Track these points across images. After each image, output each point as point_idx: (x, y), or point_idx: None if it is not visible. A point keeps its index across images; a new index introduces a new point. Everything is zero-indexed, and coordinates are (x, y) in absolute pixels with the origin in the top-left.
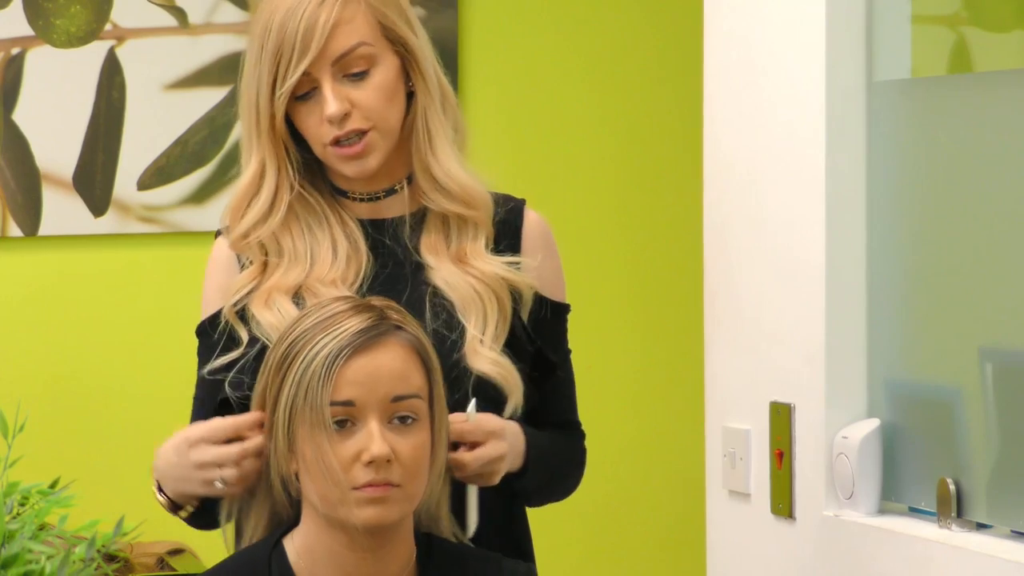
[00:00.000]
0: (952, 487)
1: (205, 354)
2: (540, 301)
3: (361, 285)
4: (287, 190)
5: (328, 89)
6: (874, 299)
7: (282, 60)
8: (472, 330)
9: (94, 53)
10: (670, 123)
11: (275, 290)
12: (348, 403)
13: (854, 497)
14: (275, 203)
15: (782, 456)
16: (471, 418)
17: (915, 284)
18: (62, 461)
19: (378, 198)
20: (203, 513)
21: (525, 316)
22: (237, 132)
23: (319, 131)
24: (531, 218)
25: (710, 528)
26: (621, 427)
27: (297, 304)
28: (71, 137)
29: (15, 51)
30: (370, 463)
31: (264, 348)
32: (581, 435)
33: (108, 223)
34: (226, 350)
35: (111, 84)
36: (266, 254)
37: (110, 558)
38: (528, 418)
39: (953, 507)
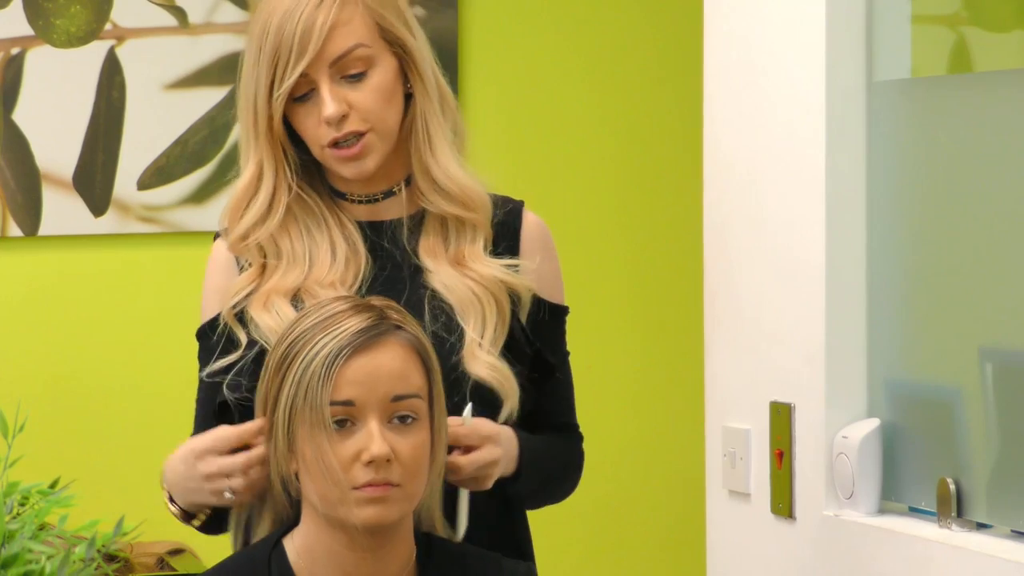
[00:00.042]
0: (952, 487)
1: (205, 357)
2: (538, 303)
3: (360, 287)
4: (285, 191)
5: (326, 90)
6: (874, 299)
7: (280, 62)
8: (471, 333)
9: (94, 53)
10: (670, 123)
11: (273, 292)
12: (348, 403)
13: (854, 497)
14: (273, 204)
15: (782, 456)
16: (466, 422)
17: (915, 284)
18: (62, 461)
19: (376, 200)
20: (215, 520)
21: (524, 318)
22: (237, 132)
23: (317, 133)
24: (530, 220)
25: (710, 528)
26: (621, 427)
27: (296, 306)
28: (71, 137)
29: (15, 51)
30: (370, 463)
31: (263, 351)
32: (579, 438)
33: (108, 223)
34: (225, 353)
35: (111, 84)
36: (264, 256)
37: (110, 558)
38: (526, 420)
39: (953, 507)
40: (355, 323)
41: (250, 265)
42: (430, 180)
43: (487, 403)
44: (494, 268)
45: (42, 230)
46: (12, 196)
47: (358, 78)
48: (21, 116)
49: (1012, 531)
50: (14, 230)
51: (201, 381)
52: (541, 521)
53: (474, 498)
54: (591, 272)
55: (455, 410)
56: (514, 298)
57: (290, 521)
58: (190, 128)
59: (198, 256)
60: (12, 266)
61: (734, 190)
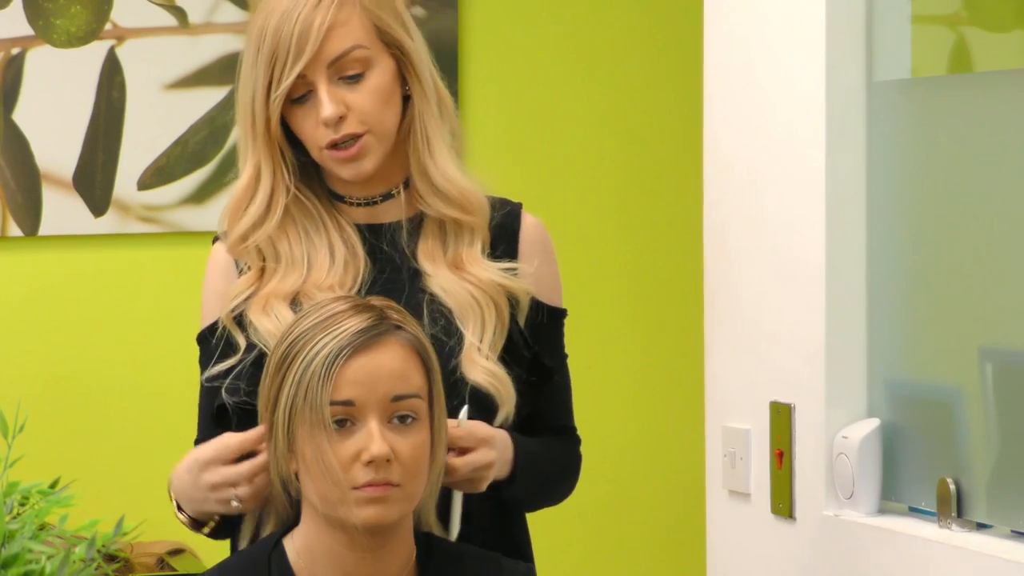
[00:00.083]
0: (952, 487)
1: (205, 361)
2: (537, 306)
3: (359, 290)
4: (283, 193)
5: (323, 91)
6: (874, 299)
7: (277, 63)
8: (470, 337)
9: (94, 53)
10: (670, 123)
11: (272, 296)
12: (348, 403)
13: (854, 497)
14: (271, 206)
15: (782, 456)
16: (462, 424)
17: (915, 284)
18: (62, 461)
19: (375, 203)
20: (225, 527)
21: (522, 322)
22: (237, 133)
23: (315, 134)
24: (528, 222)
25: (710, 528)
26: (621, 427)
27: (295, 310)
28: (71, 137)
29: (15, 51)
30: (370, 463)
31: (262, 354)
32: (576, 441)
33: (108, 223)
34: (224, 356)
35: (111, 84)
36: (263, 260)
37: (110, 558)
38: (524, 423)
39: (953, 507)
40: (355, 323)
41: (249, 268)
42: (428, 182)
43: (484, 408)
44: (492, 272)
45: (42, 230)
46: (12, 196)
47: (356, 79)
48: (21, 116)
49: (1012, 531)
50: (14, 230)
51: (202, 385)
52: (541, 521)
53: (469, 500)
54: (591, 272)
55: (452, 413)
56: (512, 302)
57: (290, 521)
58: (190, 128)
59: (198, 256)
60: (12, 266)
61: (734, 190)
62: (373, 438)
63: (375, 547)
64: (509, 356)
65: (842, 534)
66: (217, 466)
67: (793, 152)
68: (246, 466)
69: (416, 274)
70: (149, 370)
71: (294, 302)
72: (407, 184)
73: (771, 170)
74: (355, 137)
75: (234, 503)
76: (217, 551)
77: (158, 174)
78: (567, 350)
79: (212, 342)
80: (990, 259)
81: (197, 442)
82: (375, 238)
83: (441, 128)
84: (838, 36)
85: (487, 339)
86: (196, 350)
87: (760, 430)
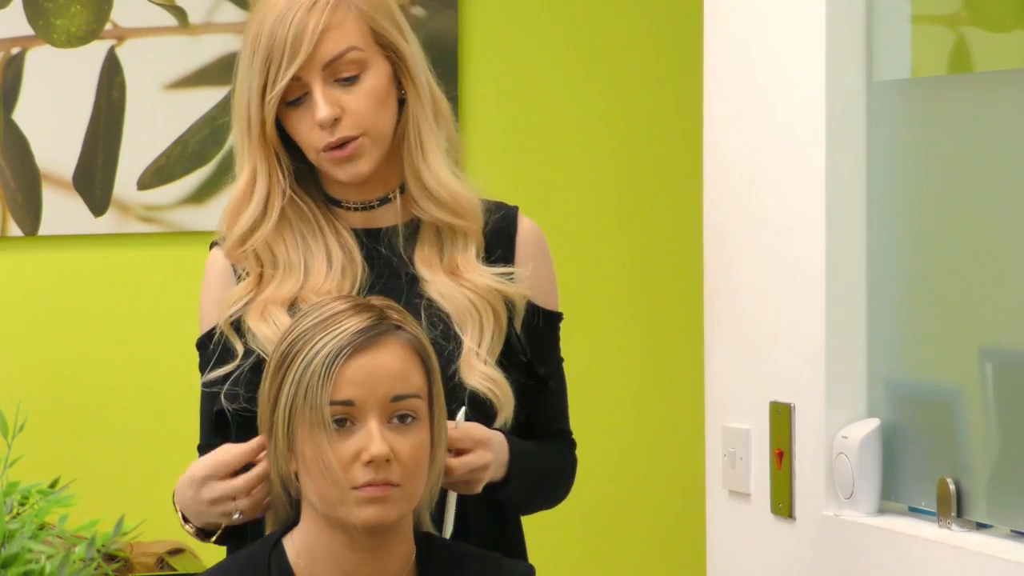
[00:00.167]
0: (952, 487)
1: (204, 367)
2: (533, 310)
3: (358, 295)
4: (279, 196)
5: (318, 93)
6: (874, 299)
7: (272, 65)
8: (468, 342)
9: (94, 53)
10: (670, 123)
11: (270, 302)
12: (348, 403)
13: (854, 497)
14: (267, 209)
15: (782, 456)
16: (460, 425)
17: (915, 284)
18: (62, 461)
19: (372, 207)
20: (232, 534)
21: (519, 326)
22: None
23: (311, 137)
24: (525, 225)
25: (710, 528)
26: (621, 427)
27: (292, 316)
28: (71, 137)
29: (15, 51)
30: (369, 463)
31: (260, 360)
32: (571, 444)
33: (108, 223)
34: (222, 362)
35: (111, 84)
36: (261, 265)
37: (110, 558)
38: (522, 426)
39: (953, 507)
40: (355, 323)
41: (247, 274)
42: (421, 186)
43: (483, 413)
44: (488, 277)
45: (42, 230)
46: (12, 196)
47: (351, 81)
48: (21, 116)
49: (1012, 531)
50: (14, 230)
51: (201, 391)
52: (541, 521)
53: (464, 501)
54: (591, 272)
55: (450, 416)
56: (509, 306)
57: (290, 521)
58: (190, 128)
59: (198, 256)
60: (12, 266)
61: (734, 190)
62: (373, 438)
63: (375, 547)
64: (507, 361)
65: (842, 534)
66: (214, 481)
67: (793, 152)
68: (243, 480)
69: (413, 279)
70: (149, 370)
71: (292, 308)
72: (403, 189)
73: (771, 170)
74: (350, 140)
75: (236, 516)
76: (217, 551)
77: (158, 174)
78: (566, 351)
79: (210, 348)
80: (990, 259)
81: (200, 447)
82: (372, 243)
83: (435, 132)
84: (838, 36)
85: (485, 344)
86: (196, 350)
87: (760, 430)
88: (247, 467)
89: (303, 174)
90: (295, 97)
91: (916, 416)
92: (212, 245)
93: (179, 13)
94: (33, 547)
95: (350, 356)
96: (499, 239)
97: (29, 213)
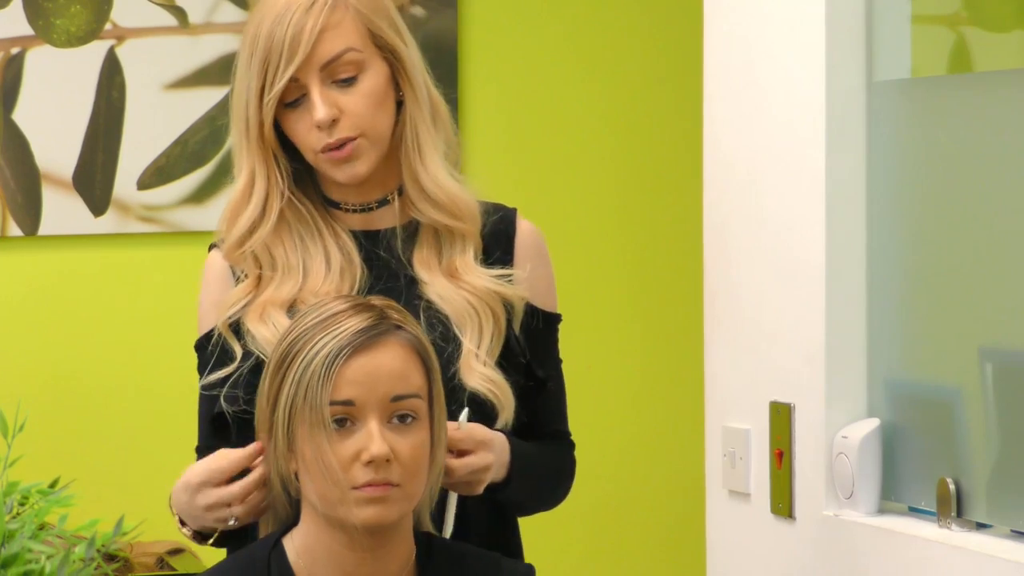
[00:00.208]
0: (952, 487)
1: (203, 369)
2: (532, 311)
3: (358, 295)
4: (277, 197)
5: (316, 94)
6: (874, 299)
7: (270, 66)
8: (468, 344)
9: (94, 53)
10: (670, 123)
11: (269, 304)
12: (348, 403)
13: (854, 497)
14: (266, 210)
15: (782, 456)
16: (462, 426)
17: (915, 284)
18: (62, 461)
19: (371, 209)
20: (231, 535)
21: (517, 328)
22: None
23: (309, 138)
24: (524, 227)
25: (710, 528)
26: (621, 427)
27: (291, 318)
28: (71, 137)
29: (15, 51)
30: (369, 463)
31: (259, 362)
32: (570, 445)
33: (108, 223)
34: (220, 364)
35: (111, 84)
36: (260, 267)
37: (110, 558)
38: (521, 428)
39: (953, 507)
40: (355, 323)
41: (246, 276)
42: (418, 188)
43: (484, 414)
44: (487, 279)
45: (42, 230)
46: (12, 196)
47: (349, 82)
48: (21, 116)
49: (1012, 531)
50: (14, 230)
51: (200, 393)
52: (541, 521)
53: (465, 501)
54: (591, 272)
55: (451, 417)
56: (508, 308)
57: (290, 521)
58: (190, 128)
59: (198, 256)
60: (12, 266)
61: (734, 190)
62: (373, 438)
63: (375, 547)
64: (506, 362)
65: (842, 534)
66: (209, 488)
67: (793, 152)
68: (239, 486)
69: (412, 281)
70: (149, 370)
71: (291, 309)
72: (401, 191)
73: (771, 170)
74: (348, 140)
75: (231, 522)
76: (217, 551)
77: (158, 174)
78: (566, 351)
79: (209, 350)
80: (990, 259)
81: (198, 449)
82: (371, 245)
83: (433, 134)
84: (838, 36)
85: (484, 346)
86: (194, 352)
87: (760, 430)
88: (243, 472)
89: (301, 176)
90: (293, 98)
91: (916, 416)
92: (211, 247)
93: (179, 13)
94: (33, 547)
95: (350, 356)
96: (498, 241)
97: (29, 213)
